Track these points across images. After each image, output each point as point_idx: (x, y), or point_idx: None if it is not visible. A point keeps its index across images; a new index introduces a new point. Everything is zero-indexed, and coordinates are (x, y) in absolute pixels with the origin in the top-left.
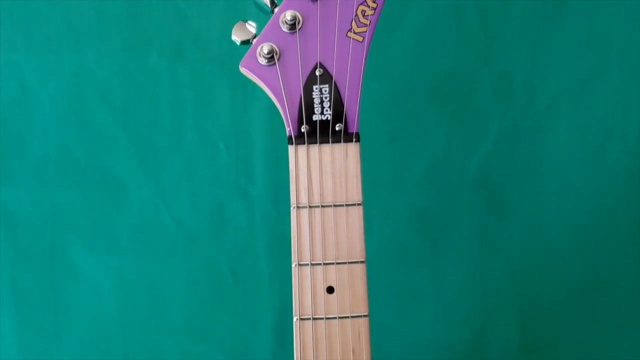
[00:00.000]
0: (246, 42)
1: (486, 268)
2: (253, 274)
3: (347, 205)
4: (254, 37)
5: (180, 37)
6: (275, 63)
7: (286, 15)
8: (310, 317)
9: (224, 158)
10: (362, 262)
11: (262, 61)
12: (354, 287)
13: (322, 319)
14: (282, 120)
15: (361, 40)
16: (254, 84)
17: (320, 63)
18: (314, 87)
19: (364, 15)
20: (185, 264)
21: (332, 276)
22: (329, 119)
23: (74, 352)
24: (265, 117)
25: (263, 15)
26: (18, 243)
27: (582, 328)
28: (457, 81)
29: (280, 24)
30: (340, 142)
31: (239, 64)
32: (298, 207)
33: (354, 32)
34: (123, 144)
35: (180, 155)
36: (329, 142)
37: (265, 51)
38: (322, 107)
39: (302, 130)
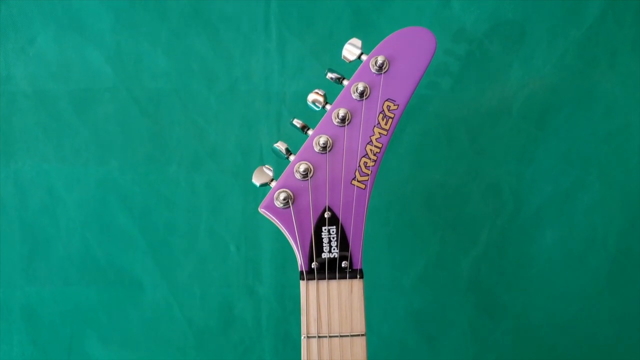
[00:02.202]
0: (264, 185)
1: None
2: None
3: (352, 335)
4: (271, 180)
5: (197, 150)
6: (290, 207)
7: (300, 166)
8: None
9: (234, 259)
10: None
11: (279, 205)
12: None
13: None
14: None
15: (364, 188)
16: (264, 194)
17: (328, 206)
18: (323, 228)
19: (365, 167)
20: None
21: None
22: (336, 257)
23: None
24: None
25: (273, 155)
26: (38, 337)
27: None
28: (449, 192)
29: (294, 173)
30: (346, 278)
31: (250, 174)
32: (308, 337)
33: (358, 180)
34: (141, 246)
35: (193, 257)
36: (336, 278)
37: (282, 197)
38: (330, 246)
39: (313, 266)
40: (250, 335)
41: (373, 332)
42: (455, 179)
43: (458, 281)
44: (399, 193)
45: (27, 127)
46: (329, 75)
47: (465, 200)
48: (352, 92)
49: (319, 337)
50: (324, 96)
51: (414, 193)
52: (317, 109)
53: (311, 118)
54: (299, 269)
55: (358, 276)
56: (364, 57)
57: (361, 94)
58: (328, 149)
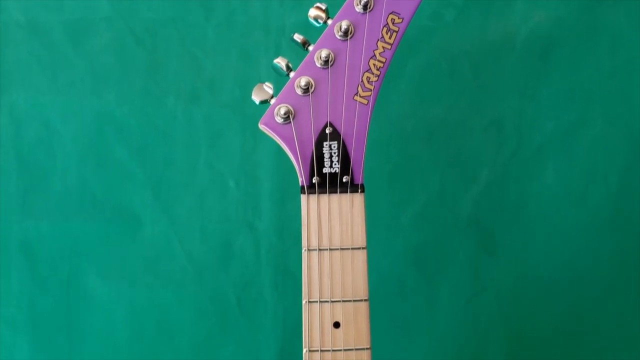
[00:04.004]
0: (264, 102)
1: (477, 302)
2: (258, 305)
3: (352, 249)
4: (271, 97)
5: (195, 83)
6: (290, 122)
7: (301, 80)
8: (319, 349)
9: (233, 194)
10: (365, 300)
11: (279, 120)
12: (358, 322)
13: (329, 351)
14: (288, 160)
15: (366, 103)
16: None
17: (330, 122)
18: (324, 143)
19: (368, 81)
20: (194, 295)
21: (339, 313)
22: (337, 171)
23: None
24: (272, 158)
25: (274, 72)
26: (37, 272)
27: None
28: (450, 127)
29: (295, 88)
30: (347, 192)
31: (248, 109)
32: (309, 249)
33: (360, 96)
34: (139, 180)
35: (192, 192)
36: (337, 192)
37: (282, 112)
38: (332, 161)
39: (314, 181)
40: (249, 270)
41: (372, 269)
42: (457, 115)
43: (458, 218)
44: (399, 129)
45: (20, 59)
46: None
47: (467, 136)
48: (354, 4)
49: (319, 250)
50: (326, 11)
51: (414, 129)
52: (318, 25)
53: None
54: (300, 184)
55: (359, 190)
56: None
57: (364, 7)
58: (330, 64)
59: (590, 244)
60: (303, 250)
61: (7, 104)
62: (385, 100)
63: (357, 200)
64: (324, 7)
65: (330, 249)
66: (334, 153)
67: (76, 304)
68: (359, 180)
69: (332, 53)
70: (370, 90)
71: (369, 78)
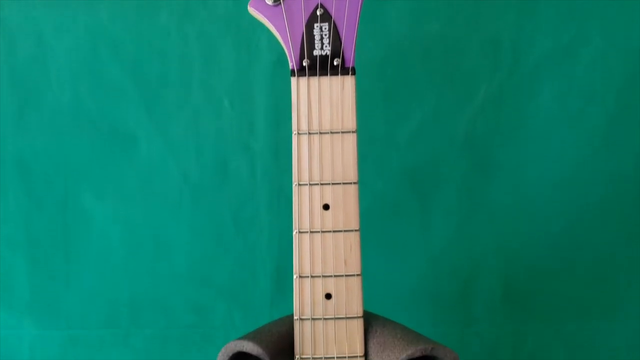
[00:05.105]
0: None
1: (472, 223)
2: (253, 224)
3: (342, 132)
4: None
5: None
6: (280, 3)
7: None
8: (308, 230)
9: (228, 113)
10: (354, 183)
11: (269, 2)
12: (347, 205)
13: (318, 232)
14: (284, 79)
15: None
16: (257, 44)
17: (321, 4)
18: (315, 25)
19: None
20: (190, 214)
21: (328, 195)
22: (327, 54)
23: (83, 294)
24: (268, 76)
25: None
26: (33, 190)
27: (561, 280)
28: (447, 45)
29: None
30: (338, 75)
31: (243, 23)
32: (299, 133)
33: None
34: (133, 98)
35: (187, 111)
36: (327, 75)
37: None
38: (322, 44)
39: (304, 64)
40: (245, 190)
41: (366, 188)
42: (454, 31)
43: (453, 137)
44: (396, 46)
45: None
46: None
47: (464, 54)
48: None
49: (309, 133)
50: None
51: (411, 45)
52: None
53: None
54: (290, 67)
55: (350, 73)
56: None
57: None
58: None
59: (586, 165)
60: (293, 134)
61: (0, 18)
62: (382, 17)
63: (347, 83)
64: None
65: (320, 133)
66: (325, 35)
67: (73, 223)
68: (350, 63)
69: None
70: None
71: None
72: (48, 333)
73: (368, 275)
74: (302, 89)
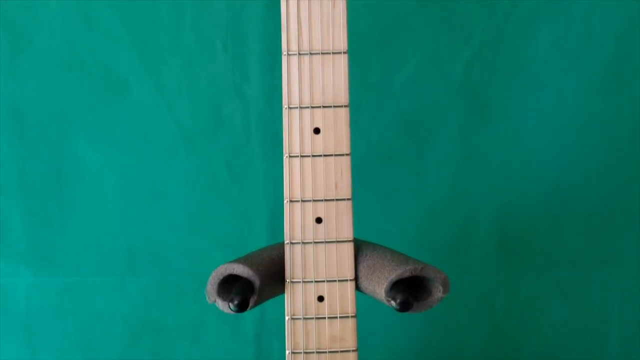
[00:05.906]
0: None
1: (467, 170)
2: (248, 171)
3: (333, 53)
4: None
5: None
6: None
7: None
8: (298, 154)
9: (220, 58)
10: (345, 106)
11: None
12: (337, 128)
13: (308, 156)
14: (277, 21)
15: None
16: None
17: None
18: None
19: None
20: (184, 161)
21: (319, 118)
22: None
23: (78, 243)
24: (261, 19)
25: None
26: (26, 136)
27: (556, 228)
28: None
29: None
30: None
31: None
32: (289, 54)
33: None
34: (126, 42)
35: (179, 55)
36: None
37: None
38: None
39: None
40: (239, 136)
41: (361, 136)
42: None
43: (450, 82)
44: None
45: None
46: None
47: None
48: None
49: (299, 54)
50: None
51: None
52: None
53: None
54: None
55: None
56: None
57: None
58: None
59: (583, 110)
60: (283, 55)
61: None
62: None
63: (338, 1)
64: None
65: (311, 53)
66: None
67: (66, 169)
68: None
69: None
70: None
71: None
72: (44, 280)
73: (363, 224)
74: (291, 6)
